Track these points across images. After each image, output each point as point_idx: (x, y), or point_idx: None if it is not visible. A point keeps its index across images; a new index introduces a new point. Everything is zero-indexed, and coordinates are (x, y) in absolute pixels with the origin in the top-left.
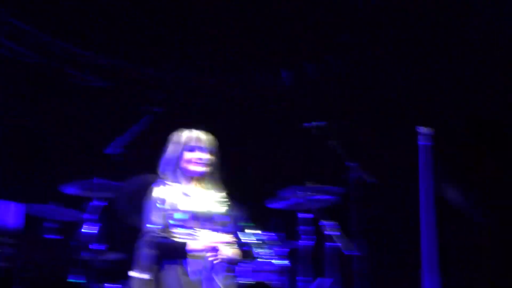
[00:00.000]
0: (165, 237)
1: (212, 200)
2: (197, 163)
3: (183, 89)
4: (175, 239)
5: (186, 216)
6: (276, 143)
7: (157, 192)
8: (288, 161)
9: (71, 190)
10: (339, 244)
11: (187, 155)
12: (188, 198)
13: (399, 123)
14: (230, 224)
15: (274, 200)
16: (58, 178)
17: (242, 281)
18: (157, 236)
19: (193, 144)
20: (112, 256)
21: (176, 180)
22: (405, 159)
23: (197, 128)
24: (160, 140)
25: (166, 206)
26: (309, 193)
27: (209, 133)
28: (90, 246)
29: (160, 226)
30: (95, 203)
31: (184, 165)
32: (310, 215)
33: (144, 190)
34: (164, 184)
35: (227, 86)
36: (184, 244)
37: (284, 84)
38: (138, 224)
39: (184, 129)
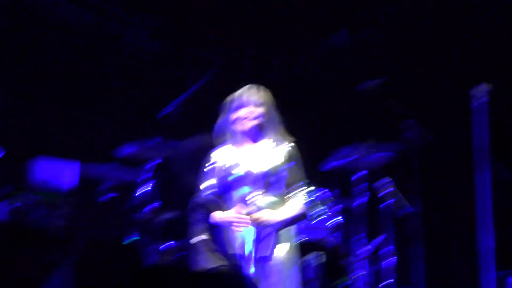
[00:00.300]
0: (207, 205)
1: (269, 156)
2: (243, 120)
3: (238, 50)
4: (214, 207)
5: (240, 176)
6: (332, 103)
7: (213, 156)
8: (344, 120)
9: (128, 150)
10: (395, 202)
11: (233, 115)
12: (242, 159)
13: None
14: (286, 180)
15: (330, 159)
16: (115, 139)
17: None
18: (203, 203)
19: (236, 104)
20: (167, 215)
21: (231, 143)
22: (461, 118)
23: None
24: (217, 101)
25: (222, 169)
26: (365, 151)
27: (259, 86)
28: (146, 206)
29: (211, 190)
30: (152, 163)
31: (234, 126)
32: (366, 174)
33: (200, 150)
34: (220, 147)
35: (283, 49)
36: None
37: (341, 45)
38: (192, 184)
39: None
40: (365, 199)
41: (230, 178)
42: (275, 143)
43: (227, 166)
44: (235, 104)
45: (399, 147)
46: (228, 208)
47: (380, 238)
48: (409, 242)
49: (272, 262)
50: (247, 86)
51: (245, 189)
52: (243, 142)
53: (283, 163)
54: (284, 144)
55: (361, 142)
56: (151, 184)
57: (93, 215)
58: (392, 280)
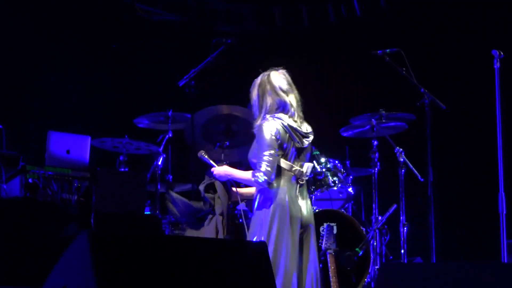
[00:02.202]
0: None
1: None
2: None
3: (253, 20)
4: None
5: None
6: (349, 71)
7: (269, 126)
8: (361, 88)
9: (145, 123)
10: (413, 170)
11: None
12: (293, 131)
13: (473, 47)
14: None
15: (343, 129)
16: (132, 112)
17: (316, 209)
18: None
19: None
20: (185, 187)
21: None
22: (479, 84)
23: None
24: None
25: (279, 139)
26: (382, 120)
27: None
28: (165, 177)
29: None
30: (169, 135)
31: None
32: (383, 142)
33: (213, 121)
34: (270, 119)
35: (298, 16)
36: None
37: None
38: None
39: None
40: (376, 169)
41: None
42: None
43: (283, 137)
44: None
45: (412, 117)
46: None
47: (391, 209)
48: (421, 212)
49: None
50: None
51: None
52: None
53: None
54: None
55: (373, 112)
56: (163, 158)
57: (106, 189)
58: (403, 250)
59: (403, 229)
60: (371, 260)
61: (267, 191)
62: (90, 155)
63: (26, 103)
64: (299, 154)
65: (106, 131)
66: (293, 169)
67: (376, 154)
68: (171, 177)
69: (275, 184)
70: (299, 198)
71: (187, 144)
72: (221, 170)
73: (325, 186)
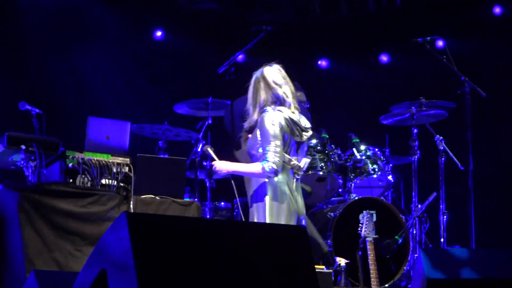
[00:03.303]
0: None
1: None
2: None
3: (294, 7)
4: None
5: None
6: (389, 59)
7: (272, 117)
8: (401, 76)
9: (184, 109)
10: (453, 158)
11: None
12: (294, 125)
13: None
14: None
15: (383, 117)
16: (172, 99)
17: (356, 196)
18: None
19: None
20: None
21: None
22: None
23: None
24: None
25: (281, 130)
26: (423, 108)
27: None
28: (204, 164)
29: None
30: (209, 122)
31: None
32: (423, 130)
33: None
34: (271, 110)
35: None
36: None
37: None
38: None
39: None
40: (416, 157)
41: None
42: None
43: (285, 129)
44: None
45: (452, 105)
46: None
47: (431, 197)
48: (460, 200)
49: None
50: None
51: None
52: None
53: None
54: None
55: (413, 100)
56: (203, 144)
57: (146, 175)
58: (443, 239)
59: (443, 218)
60: (411, 248)
61: (269, 183)
62: (129, 141)
63: (67, 89)
64: (298, 148)
65: (146, 117)
66: (292, 162)
67: (416, 142)
68: (210, 163)
69: (276, 177)
70: (295, 191)
71: (226, 131)
72: (222, 165)
73: (365, 174)
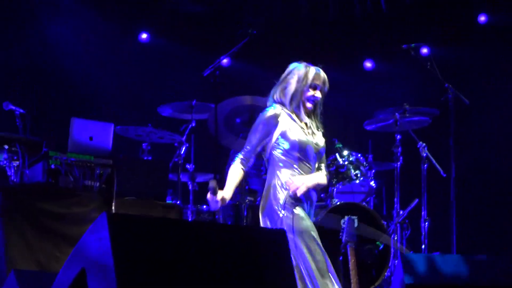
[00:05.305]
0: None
1: (320, 135)
2: (313, 100)
3: (279, 12)
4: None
5: (309, 145)
6: (374, 65)
7: (273, 111)
8: (386, 83)
9: (168, 112)
10: (435, 165)
11: (310, 92)
12: (300, 127)
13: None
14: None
15: (366, 122)
16: (157, 101)
17: (338, 201)
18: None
19: (318, 83)
20: (207, 177)
21: (291, 110)
22: (504, 79)
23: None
24: (256, 62)
25: (280, 128)
26: (406, 114)
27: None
28: (187, 167)
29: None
30: (193, 124)
31: (303, 99)
32: (406, 137)
33: (237, 111)
34: (279, 107)
35: (326, 11)
36: None
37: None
38: (230, 144)
39: (304, 62)
40: (399, 163)
41: (303, 143)
42: (315, 124)
43: (297, 130)
44: (317, 82)
45: (435, 112)
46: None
47: (413, 203)
48: (442, 207)
49: None
50: (319, 68)
51: (310, 157)
52: (300, 115)
53: (325, 144)
54: (319, 128)
55: (397, 106)
56: (186, 147)
57: (128, 176)
58: (424, 245)
59: (424, 224)
60: (391, 254)
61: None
62: (113, 142)
63: (51, 89)
64: None
65: (130, 119)
66: None
67: (399, 149)
68: (193, 166)
69: None
70: None
71: (210, 134)
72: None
73: (347, 179)
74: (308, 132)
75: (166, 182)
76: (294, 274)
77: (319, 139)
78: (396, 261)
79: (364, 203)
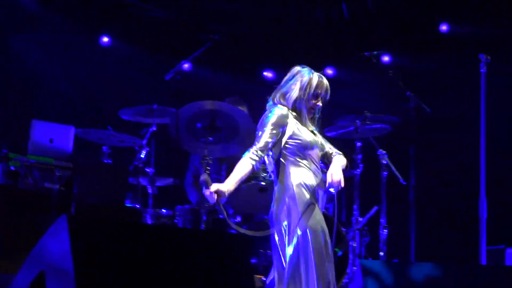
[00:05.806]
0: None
1: (319, 136)
2: (314, 109)
3: (241, 18)
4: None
5: (315, 146)
6: (335, 72)
7: (281, 111)
8: (347, 90)
9: (129, 115)
10: (395, 173)
11: (312, 100)
12: (304, 128)
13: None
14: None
15: (326, 129)
16: (118, 104)
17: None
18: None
19: (320, 92)
20: (167, 181)
21: (294, 114)
22: (464, 88)
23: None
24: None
25: (290, 127)
26: (367, 121)
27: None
28: (147, 171)
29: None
30: (153, 128)
31: (305, 108)
32: (367, 144)
33: (198, 116)
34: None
35: (287, 17)
36: None
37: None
38: (191, 149)
39: (307, 67)
40: (359, 171)
41: (311, 143)
42: (314, 128)
43: (304, 130)
44: (320, 91)
45: (396, 120)
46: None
47: (372, 211)
48: (401, 215)
49: None
50: (322, 75)
51: (316, 157)
52: (302, 119)
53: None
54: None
55: (358, 114)
56: (146, 151)
57: (88, 180)
58: (382, 253)
59: (383, 231)
60: (350, 261)
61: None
62: (73, 145)
63: (10, 91)
64: None
65: (91, 122)
66: None
67: (359, 156)
68: (153, 170)
69: None
70: None
71: (171, 138)
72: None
73: None
74: (313, 133)
75: (126, 185)
76: (253, 279)
77: (322, 140)
78: (355, 268)
79: (323, 210)
